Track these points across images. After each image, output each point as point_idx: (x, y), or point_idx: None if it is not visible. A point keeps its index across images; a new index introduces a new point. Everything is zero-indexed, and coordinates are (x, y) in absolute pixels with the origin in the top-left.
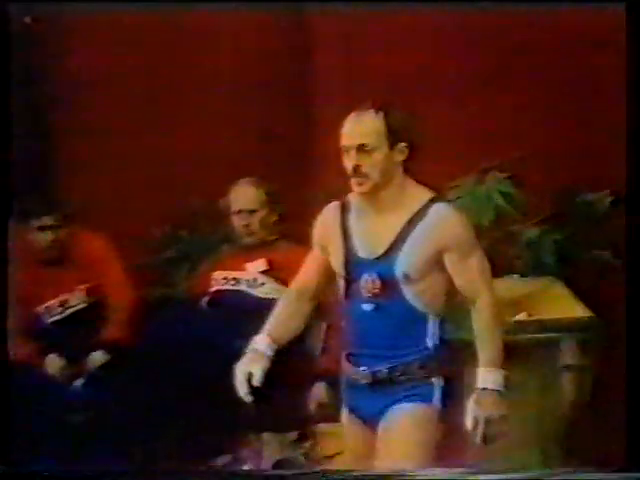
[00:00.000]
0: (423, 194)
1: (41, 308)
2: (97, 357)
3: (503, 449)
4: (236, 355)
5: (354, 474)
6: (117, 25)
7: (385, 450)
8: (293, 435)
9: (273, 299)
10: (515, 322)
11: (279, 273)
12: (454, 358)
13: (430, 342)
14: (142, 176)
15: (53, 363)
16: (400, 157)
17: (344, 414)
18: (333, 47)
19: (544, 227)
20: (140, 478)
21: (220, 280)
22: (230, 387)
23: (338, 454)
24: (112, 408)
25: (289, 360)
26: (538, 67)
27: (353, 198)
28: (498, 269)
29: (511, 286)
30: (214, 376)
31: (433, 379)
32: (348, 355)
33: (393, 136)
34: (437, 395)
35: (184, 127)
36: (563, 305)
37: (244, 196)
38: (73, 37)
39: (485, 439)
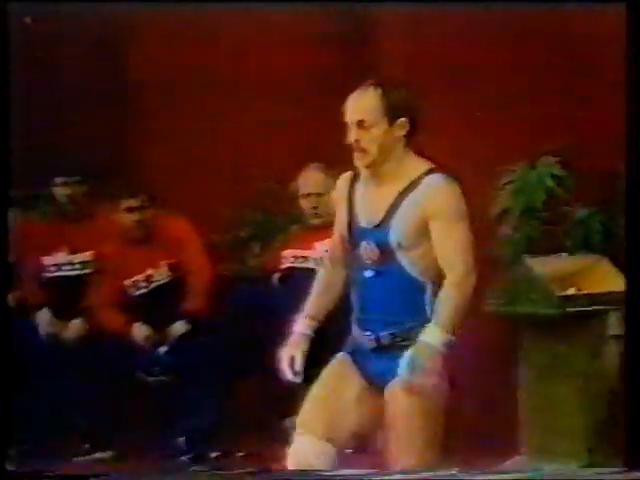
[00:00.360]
0: (421, 166)
1: (128, 282)
2: (178, 327)
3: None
4: None
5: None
6: (204, 22)
7: (394, 423)
8: None
9: None
10: (565, 296)
11: None
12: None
13: (429, 310)
14: (219, 163)
15: (139, 331)
16: (400, 132)
17: (341, 360)
18: (392, 35)
19: (592, 208)
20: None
21: (290, 258)
22: None
23: None
24: (191, 373)
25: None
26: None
27: (363, 170)
28: (549, 248)
29: (561, 263)
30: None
31: None
32: (356, 319)
33: (392, 112)
34: None
35: (259, 113)
36: (609, 280)
37: (313, 180)
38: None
39: (409, 386)
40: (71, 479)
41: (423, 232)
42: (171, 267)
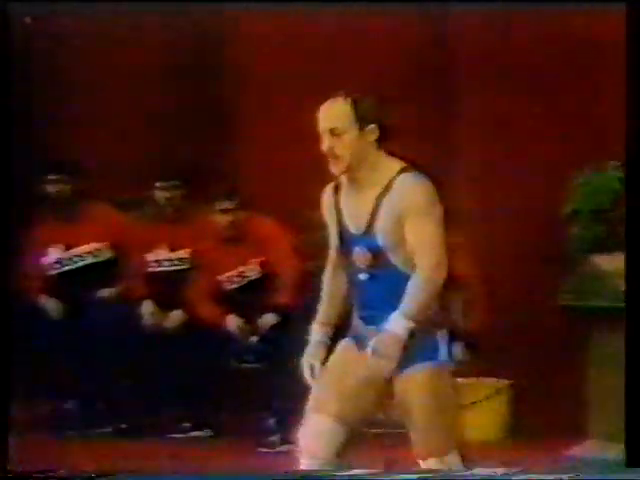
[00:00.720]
0: (393, 167)
1: (223, 277)
2: (269, 318)
3: None
4: None
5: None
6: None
7: (406, 411)
8: None
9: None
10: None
11: None
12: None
13: None
14: (306, 166)
15: (233, 322)
16: (372, 137)
17: (347, 342)
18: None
19: None
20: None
21: None
22: None
23: (472, 404)
24: (280, 360)
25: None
26: None
27: (343, 179)
28: (614, 245)
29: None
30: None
31: (438, 334)
32: (358, 316)
33: (362, 119)
34: (442, 350)
35: None
36: None
37: None
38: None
39: (374, 368)
40: (71, 479)
41: (403, 230)
42: (262, 264)
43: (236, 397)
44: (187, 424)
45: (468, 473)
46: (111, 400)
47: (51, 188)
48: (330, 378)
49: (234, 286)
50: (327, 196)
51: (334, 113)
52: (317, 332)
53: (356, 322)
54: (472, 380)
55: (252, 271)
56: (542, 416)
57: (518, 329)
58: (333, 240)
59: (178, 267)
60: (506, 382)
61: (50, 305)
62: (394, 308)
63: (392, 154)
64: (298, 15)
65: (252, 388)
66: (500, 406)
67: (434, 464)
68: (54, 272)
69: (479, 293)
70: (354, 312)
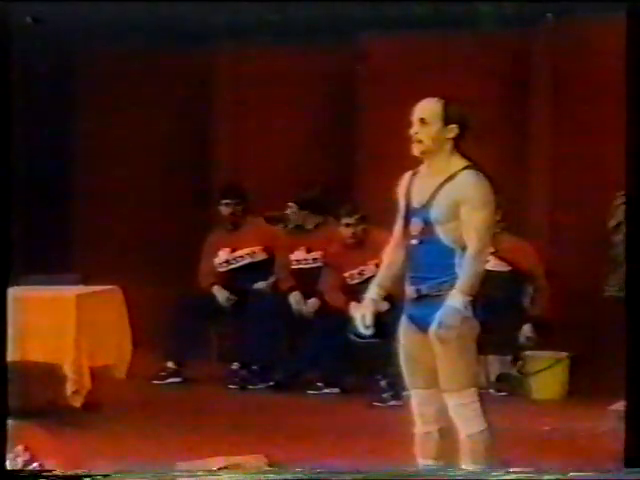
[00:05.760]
0: (460, 163)
1: (347, 274)
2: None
3: None
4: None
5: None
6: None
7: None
8: (509, 357)
9: (497, 270)
10: None
11: (501, 254)
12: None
13: (458, 269)
14: None
15: (354, 308)
16: (450, 134)
17: (403, 321)
18: None
19: None
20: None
21: None
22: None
23: (539, 371)
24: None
25: (504, 306)
26: None
27: (422, 167)
28: None
29: None
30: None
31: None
32: (408, 277)
33: (447, 118)
34: (463, 305)
35: None
36: None
37: None
38: None
39: (439, 338)
40: (71, 479)
41: (455, 212)
42: (377, 264)
43: (357, 364)
44: (320, 384)
45: (467, 473)
46: (264, 365)
47: (224, 209)
48: (402, 357)
49: (355, 281)
50: (405, 178)
51: (427, 106)
52: (372, 291)
53: (407, 289)
54: (538, 352)
55: (370, 270)
56: (592, 381)
57: (574, 313)
58: (400, 215)
59: (313, 265)
60: (564, 354)
61: (221, 294)
62: (432, 270)
63: (463, 153)
64: None
65: (369, 357)
66: (560, 373)
67: (456, 397)
68: (223, 269)
69: (545, 284)
70: (406, 275)
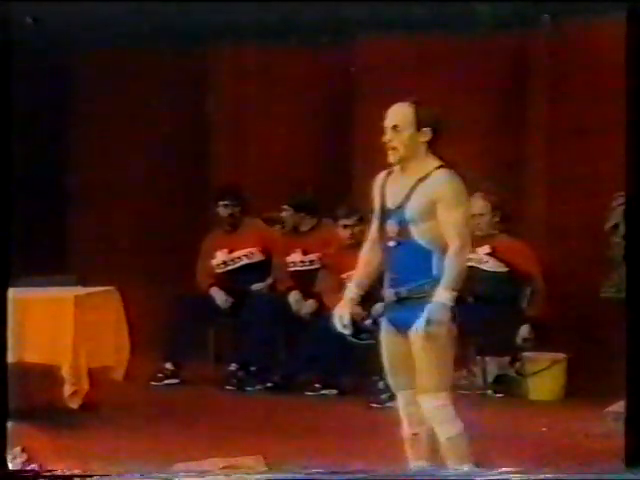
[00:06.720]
0: (433, 163)
1: (345, 275)
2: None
3: None
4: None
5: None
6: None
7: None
8: (507, 358)
9: (493, 271)
10: None
11: (499, 255)
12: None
13: (435, 271)
14: None
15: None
16: (424, 138)
17: (384, 323)
18: None
19: None
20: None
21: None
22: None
23: (537, 372)
24: None
25: (502, 307)
26: None
27: (396, 168)
28: None
29: None
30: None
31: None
32: (385, 279)
33: (419, 122)
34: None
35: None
36: None
37: (476, 205)
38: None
39: (428, 334)
40: (71, 479)
41: (430, 212)
42: None
43: (354, 365)
44: (318, 385)
45: (465, 473)
46: (262, 366)
47: (222, 210)
48: (385, 361)
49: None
50: (379, 179)
51: (399, 113)
52: (351, 291)
53: (387, 292)
54: (536, 354)
55: None
56: (589, 382)
57: (571, 314)
58: (375, 216)
59: (310, 268)
60: (562, 355)
61: (218, 295)
62: (410, 272)
63: (436, 154)
64: None
65: (366, 358)
66: (557, 374)
67: (429, 399)
68: (220, 270)
69: (542, 285)
70: (384, 277)
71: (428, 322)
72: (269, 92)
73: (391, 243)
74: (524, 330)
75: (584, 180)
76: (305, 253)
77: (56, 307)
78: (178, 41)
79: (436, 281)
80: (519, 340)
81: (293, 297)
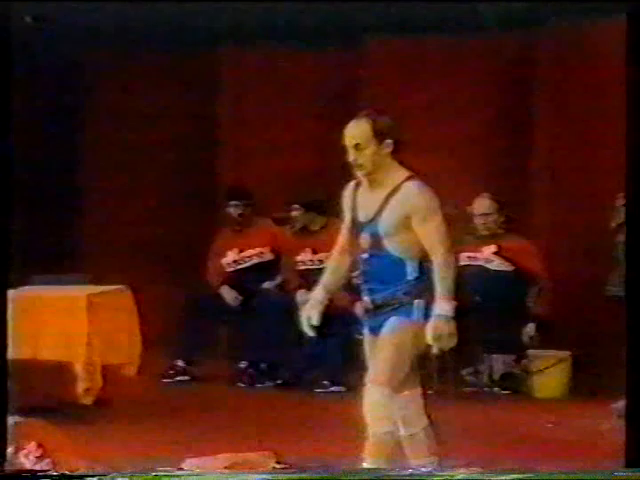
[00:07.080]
0: (402, 174)
1: (354, 274)
2: None
3: None
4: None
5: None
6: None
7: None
8: (513, 356)
9: (501, 270)
10: None
11: (505, 254)
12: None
13: (410, 277)
14: None
15: (359, 307)
16: (387, 150)
17: (365, 331)
18: None
19: None
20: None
21: (466, 258)
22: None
23: (542, 370)
24: None
25: (508, 306)
26: None
27: (363, 179)
28: None
29: None
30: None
31: (414, 302)
32: (361, 290)
33: (380, 136)
34: (416, 313)
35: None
36: None
37: (483, 205)
38: None
39: (439, 349)
40: (71, 479)
41: (404, 225)
42: None
43: (362, 362)
44: (327, 382)
45: (463, 472)
46: (271, 363)
47: (232, 210)
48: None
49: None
50: (348, 190)
51: (357, 131)
52: (319, 293)
53: (363, 300)
54: (541, 351)
55: None
56: (595, 379)
57: (577, 313)
58: (345, 225)
59: (319, 267)
60: (567, 353)
61: (229, 293)
62: (384, 281)
63: (402, 163)
64: None
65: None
66: (563, 372)
67: (374, 389)
68: (231, 269)
69: (548, 284)
70: (361, 286)
71: (437, 339)
72: (278, 93)
73: (364, 255)
74: (530, 328)
75: (588, 179)
76: (315, 252)
77: (70, 305)
78: (187, 43)
79: (410, 285)
80: (525, 338)
81: (300, 297)
